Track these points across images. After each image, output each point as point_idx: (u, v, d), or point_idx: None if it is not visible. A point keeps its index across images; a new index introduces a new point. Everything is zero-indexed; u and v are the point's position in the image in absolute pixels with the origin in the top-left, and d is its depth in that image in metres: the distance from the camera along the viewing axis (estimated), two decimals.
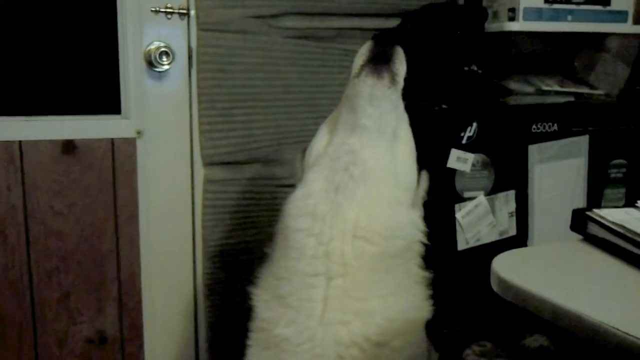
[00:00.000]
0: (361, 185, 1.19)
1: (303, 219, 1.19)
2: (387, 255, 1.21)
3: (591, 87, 2.01)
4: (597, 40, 2.02)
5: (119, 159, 1.83)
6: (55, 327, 1.83)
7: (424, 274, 1.31)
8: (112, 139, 1.82)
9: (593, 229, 1.02)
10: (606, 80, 2.01)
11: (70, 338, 1.85)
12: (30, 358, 1.82)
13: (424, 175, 1.35)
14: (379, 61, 1.23)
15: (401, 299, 1.23)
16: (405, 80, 1.27)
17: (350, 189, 1.18)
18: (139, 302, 1.91)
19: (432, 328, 1.34)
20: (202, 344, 2.01)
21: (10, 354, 1.80)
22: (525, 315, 0.98)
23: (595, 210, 1.05)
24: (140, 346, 1.94)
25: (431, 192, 1.79)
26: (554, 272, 0.91)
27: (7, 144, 1.72)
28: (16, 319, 1.79)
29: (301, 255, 1.18)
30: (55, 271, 1.81)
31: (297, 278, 1.18)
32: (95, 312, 1.87)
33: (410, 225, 1.26)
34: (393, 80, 1.24)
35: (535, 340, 1.83)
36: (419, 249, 1.29)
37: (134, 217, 1.86)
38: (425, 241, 1.30)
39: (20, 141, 1.73)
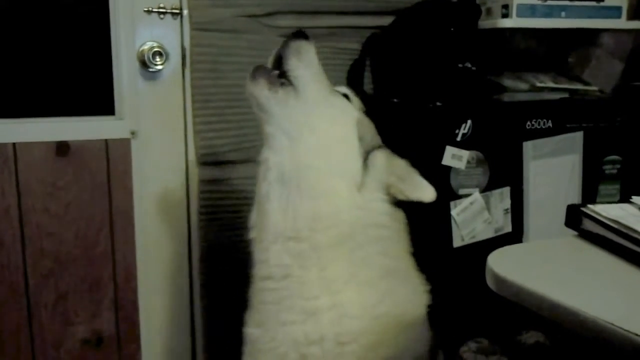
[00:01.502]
0: (278, 188, 1.21)
1: (252, 230, 1.28)
2: (323, 248, 1.17)
3: (585, 83, 2.02)
4: (591, 36, 2.02)
5: (113, 159, 1.82)
6: (52, 328, 1.83)
7: (397, 263, 1.25)
8: (106, 139, 1.81)
9: (588, 224, 1.03)
10: (600, 76, 2.02)
11: (67, 339, 1.85)
12: (27, 359, 1.82)
13: (379, 153, 1.27)
14: (262, 67, 1.28)
15: (365, 292, 1.18)
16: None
17: (271, 194, 1.21)
18: (135, 303, 1.91)
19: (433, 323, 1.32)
20: (199, 343, 2.01)
21: (7, 356, 1.79)
22: (521, 311, 0.98)
23: (590, 206, 1.05)
24: (137, 346, 1.94)
25: None
26: (550, 268, 0.91)
27: (1, 145, 1.71)
28: (13, 321, 1.78)
29: (255, 261, 1.25)
30: (50, 273, 1.80)
31: (256, 282, 1.24)
32: (91, 313, 1.87)
33: (351, 210, 1.20)
34: (271, 82, 1.23)
35: (531, 336, 1.84)
36: (378, 233, 1.23)
37: (129, 217, 1.86)
38: (392, 224, 1.26)
39: (14, 143, 1.72)
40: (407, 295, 1.25)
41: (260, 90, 1.22)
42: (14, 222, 1.75)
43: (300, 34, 1.29)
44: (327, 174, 1.21)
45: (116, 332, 1.90)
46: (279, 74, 1.25)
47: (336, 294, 1.16)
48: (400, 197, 1.25)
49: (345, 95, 1.33)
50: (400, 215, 1.29)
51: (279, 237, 1.19)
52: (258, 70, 1.25)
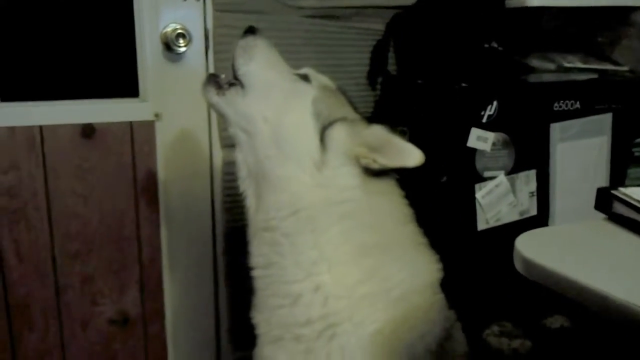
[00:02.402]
0: (249, 183, 1.29)
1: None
2: (293, 234, 1.19)
3: (615, 63, 1.97)
4: (621, 15, 1.97)
5: (137, 142, 1.83)
6: (79, 308, 1.86)
7: (383, 237, 1.22)
8: (131, 122, 1.82)
9: (618, 208, 1.01)
10: (631, 56, 1.97)
11: (93, 319, 1.88)
12: (56, 339, 1.85)
13: (338, 126, 1.24)
14: (212, 74, 1.37)
15: (346, 271, 1.17)
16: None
17: (245, 190, 1.30)
18: (160, 283, 1.93)
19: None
20: (223, 324, 2.03)
21: (36, 335, 1.83)
22: (546, 295, 0.97)
23: (621, 189, 1.03)
24: (163, 326, 1.96)
25: (450, 171, 1.78)
26: (579, 251, 0.90)
27: (28, 128, 1.73)
28: (41, 301, 1.82)
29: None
30: (77, 254, 1.83)
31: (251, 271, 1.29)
32: (117, 293, 1.89)
33: (313, 192, 1.19)
34: (218, 85, 1.32)
35: (555, 320, 1.83)
36: (348, 209, 1.20)
37: (154, 199, 1.87)
38: (365, 197, 1.21)
39: (40, 126, 1.74)
40: (403, 270, 1.21)
41: (211, 96, 1.32)
42: (41, 204, 1.77)
43: (248, 31, 1.36)
44: (282, 161, 1.22)
45: (142, 312, 1.93)
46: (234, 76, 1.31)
47: (317, 276, 1.17)
48: (375, 166, 1.21)
49: (306, 76, 1.33)
50: (381, 185, 1.25)
51: (257, 230, 1.25)
52: (207, 78, 1.34)
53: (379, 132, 1.24)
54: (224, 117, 1.33)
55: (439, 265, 1.28)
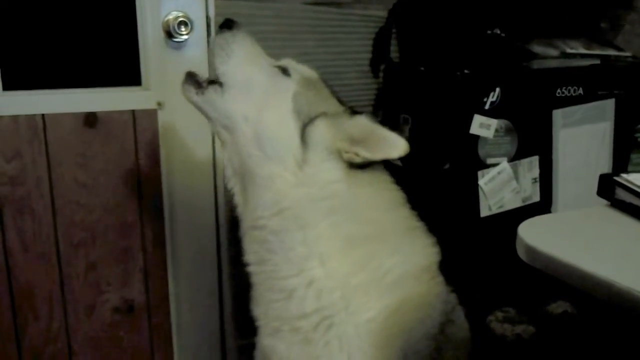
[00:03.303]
0: (235, 182, 1.29)
1: None
2: (281, 232, 1.19)
3: (618, 49, 1.97)
4: (624, 0, 1.96)
5: (140, 130, 1.83)
6: (84, 296, 1.87)
7: (373, 228, 1.20)
8: (133, 110, 1.82)
9: (621, 194, 1.01)
10: (634, 41, 1.96)
11: (98, 307, 1.89)
12: (60, 327, 1.86)
13: (319, 123, 1.21)
14: (190, 73, 1.32)
15: (337, 264, 1.17)
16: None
17: (233, 189, 1.30)
18: (164, 272, 1.94)
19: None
20: (227, 311, 2.04)
21: (40, 323, 1.84)
22: (549, 281, 0.97)
23: (623, 175, 1.03)
24: (167, 314, 1.97)
25: (453, 158, 1.78)
26: (582, 238, 0.90)
27: (31, 117, 1.73)
28: (46, 290, 1.82)
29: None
30: (81, 242, 1.83)
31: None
32: (121, 281, 1.90)
33: (296, 190, 1.18)
34: (197, 85, 1.30)
35: (558, 307, 1.83)
36: (333, 204, 1.18)
37: (157, 187, 1.88)
38: (350, 190, 1.19)
39: (43, 114, 1.74)
40: (395, 256, 1.20)
41: (191, 96, 1.30)
42: (44, 193, 1.77)
43: (225, 25, 1.32)
44: (264, 160, 1.21)
45: (146, 300, 1.93)
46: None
47: (310, 271, 1.17)
48: (358, 160, 1.19)
49: (285, 69, 1.29)
50: (366, 176, 1.22)
51: (246, 228, 1.26)
52: (186, 77, 1.31)
53: (361, 123, 1.22)
54: (206, 116, 1.31)
55: (436, 248, 1.27)
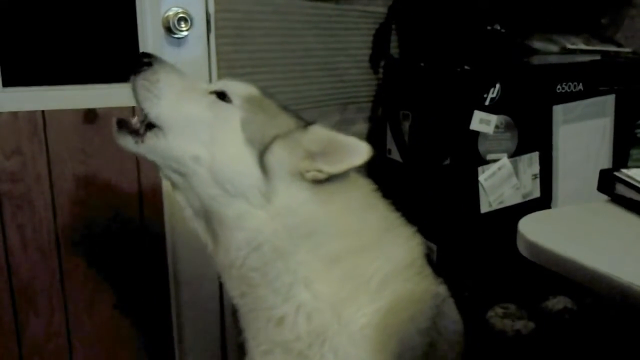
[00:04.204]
0: (195, 222, 1.21)
1: None
2: (260, 267, 1.14)
3: (618, 44, 1.97)
4: None
5: None
6: (84, 293, 1.87)
7: (356, 239, 1.16)
8: (133, 107, 1.81)
9: (621, 189, 1.01)
10: (634, 37, 1.96)
11: (98, 304, 1.89)
12: (61, 324, 1.86)
13: (275, 148, 1.14)
14: (123, 120, 1.19)
15: (323, 284, 1.14)
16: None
17: (196, 229, 1.23)
18: (164, 271, 1.94)
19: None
20: (228, 307, 2.04)
21: (41, 320, 1.84)
22: (548, 277, 0.97)
23: (624, 171, 1.03)
24: (167, 310, 1.97)
25: (453, 154, 1.78)
26: (582, 233, 0.90)
27: (31, 114, 1.73)
28: (46, 286, 1.83)
29: None
30: (81, 239, 1.83)
31: None
32: (122, 278, 1.90)
33: (268, 224, 1.12)
34: (133, 132, 1.17)
35: (558, 302, 1.83)
36: (310, 228, 1.13)
37: (157, 184, 1.88)
38: (325, 207, 1.14)
39: (43, 111, 1.74)
40: (377, 258, 1.17)
41: (129, 146, 1.17)
42: (44, 189, 1.77)
43: (140, 62, 1.18)
44: (228, 200, 1.13)
45: (146, 296, 1.94)
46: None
47: (296, 297, 1.14)
48: (322, 177, 1.12)
49: (223, 94, 1.18)
50: (336, 186, 1.15)
51: (222, 267, 1.20)
52: (118, 125, 1.18)
53: (317, 135, 1.15)
54: (154, 163, 1.19)
55: (418, 239, 1.24)
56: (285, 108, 1.23)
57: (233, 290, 1.21)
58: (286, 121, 1.19)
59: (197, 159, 1.13)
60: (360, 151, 1.11)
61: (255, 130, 1.15)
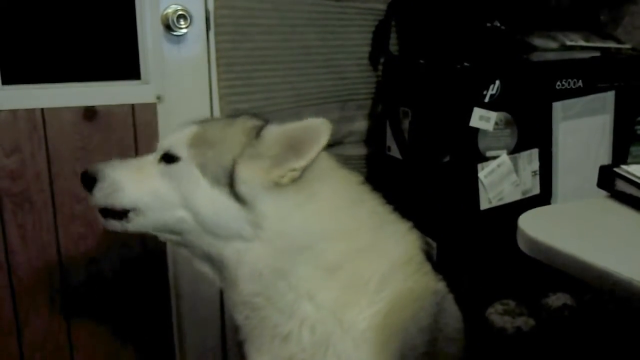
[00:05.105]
0: (203, 266, 1.25)
1: None
2: (265, 291, 1.15)
3: (618, 41, 1.96)
4: None
5: (139, 124, 1.83)
6: (85, 290, 1.87)
7: (353, 244, 1.16)
8: (133, 104, 1.82)
9: (621, 185, 1.01)
10: (634, 34, 1.96)
11: (99, 302, 1.89)
12: (61, 322, 1.86)
13: (240, 172, 1.13)
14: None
15: (324, 296, 1.15)
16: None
17: (204, 271, 1.26)
18: (164, 266, 1.94)
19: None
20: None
21: (41, 319, 1.84)
22: (548, 273, 0.98)
23: (623, 167, 1.03)
24: (168, 307, 1.97)
25: (453, 151, 1.78)
26: (582, 229, 0.90)
27: (30, 111, 1.73)
28: (47, 284, 1.83)
29: None
30: (81, 237, 1.83)
31: None
32: (122, 276, 1.90)
33: (267, 251, 1.13)
34: (119, 217, 1.21)
35: (558, 298, 1.84)
36: (306, 241, 1.14)
37: None
38: (313, 216, 1.14)
39: (42, 109, 1.74)
40: (373, 260, 1.17)
41: (117, 228, 1.22)
42: (44, 187, 1.78)
43: (89, 180, 1.23)
44: (223, 242, 1.15)
45: (147, 292, 1.94)
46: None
47: (299, 312, 1.15)
48: (298, 174, 1.11)
49: (169, 157, 1.18)
50: (318, 186, 1.15)
51: (231, 296, 1.22)
52: (101, 214, 1.23)
53: (273, 135, 1.13)
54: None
55: (415, 236, 1.24)
56: (227, 118, 1.23)
57: (237, 314, 1.23)
58: (236, 138, 1.16)
59: (181, 219, 1.16)
60: (320, 129, 1.09)
61: (214, 168, 1.13)
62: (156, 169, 1.19)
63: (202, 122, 1.24)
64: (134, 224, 1.21)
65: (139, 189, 1.19)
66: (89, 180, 1.22)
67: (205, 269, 1.24)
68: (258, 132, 1.15)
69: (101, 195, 1.21)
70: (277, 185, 1.11)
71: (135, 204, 1.18)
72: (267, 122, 1.19)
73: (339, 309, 1.14)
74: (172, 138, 1.21)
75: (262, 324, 1.19)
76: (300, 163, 1.10)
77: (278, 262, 1.13)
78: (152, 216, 1.19)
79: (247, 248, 1.13)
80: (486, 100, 1.75)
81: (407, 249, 1.22)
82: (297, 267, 1.14)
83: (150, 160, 1.22)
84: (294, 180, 1.12)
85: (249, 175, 1.12)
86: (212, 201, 1.13)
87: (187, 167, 1.15)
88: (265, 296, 1.16)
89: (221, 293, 1.96)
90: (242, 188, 1.12)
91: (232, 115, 1.31)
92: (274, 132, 1.13)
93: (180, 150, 1.17)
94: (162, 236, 1.23)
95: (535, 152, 1.84)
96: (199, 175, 1.14)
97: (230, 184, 1.12)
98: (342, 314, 1.14)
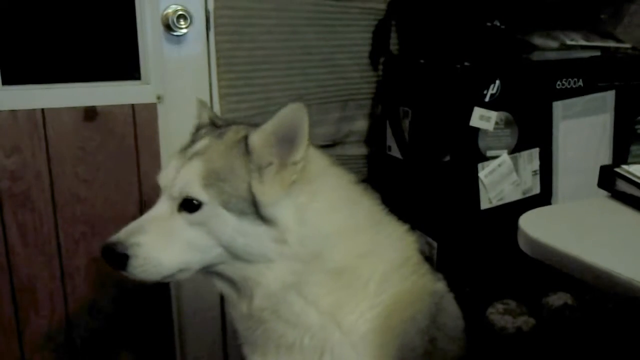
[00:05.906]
0: (220, 285, 1.22)
1: None
2: (280, 307, 1.15)
3: (618, 40, 1.96)
4: None
5: (140, 124, 1.83)
6: (85, 290, 1.87)
7: (348, 242, 1.16)
8: (133, 104, 1.82)
9: (622, 185, 1.01)
10: (634, 33, 1.96)
11: (99, 302, 1.89)
12: (61, 322, 1.86)
13: (260, 189, 1.10)
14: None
15: (331, 307, 1.15)
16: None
17: (220, 288, 1.23)
18: None
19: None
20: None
21: (41, 319, 1.84)
22: (549, 273, 0.97)
23: (624, 167, 1.03)
24: (168, 306, 1.97)
25: (453, 151, 1.78)
26: (583, 229, 0.90)
27: (30, 112, 1.73)
28: (47, 285, 1.83)
29: None
30: (82, 236, 1.84)
31: None
32: (122, 275, 1.90)
33: (294, 262, 1.12)
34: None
35: (558, 298, 1.83)
36: (318, 244, 1.13)
37: (157, 182, 1.87)
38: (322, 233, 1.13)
39: (43, 109, 1.74)
40: (371, 263, 1.18)
41: (140, 275, 1.14)
42: (45, 187, 1.78)
43: (118, 263, 1.12)
44: (247, 266, 1.13)
45: (147, 292, 1.94)
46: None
47: (304, 322, 1.16)
48: (301, 166, 1.11)
49: (189, 203, 1.11)
50: (319, 186, 1.15)
51: (233, 311, 1.22)
52: (116, 265, 1.14)
53: (259, 140, 1.10)
54: None
55: (412, 237, 1.24)
56: (218, 132, 1.19)
57: (241, 325, 1.23)
58: (238, 162, 1.12)
59: (218, 255, 1.13)
60: (297, 111, 1.08)
61: (235, 202, 1.10)
62: (181, 220, 1.12)
63: (197, 151, 1.16)
64: (178, 278, 1.17)
65: (176, 255, 1.12)
66: (116, 258, 1.12)
67: (223, 286, 1.21)
68: (246, 146, 1.12)
69: (138, 272, 1.13)
70: (292, 185, 1.10)
71: (177, 268, 1.13)
72: (249, 127, 1.17)
73: (338, 312, 1.15)
74: (181, 180, 1.13)
75: (266, 335, 1.19)
76: (299, 152, 1.09)
77: (295, 275, 1.13)
78: (194, 267, 1.14)
79: (268, 268, 1.12)
80: (486, 99, 1.75)
81: (402, 250, 1.22)
82: (309, 276, 1.13)
83: (168, 213, 1.14)
84: (299, 179, 1.11)
85: (267, 193, 1.10)
86: (243, 233, 1.10)
87: (213, 211, 1.10)
88: (272, 310, 1.16)
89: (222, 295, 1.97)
90: (267, 210, 1.10)
91: (213, 125, 1.28)
92: (257, 138, 1.11)
93: (200, 195, 1.10)
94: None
95: (535, 151, 1.84)
96: (226, 213, 1.10)
97: (255, 211, 1.10)
98: (341, 316, 1.15)
